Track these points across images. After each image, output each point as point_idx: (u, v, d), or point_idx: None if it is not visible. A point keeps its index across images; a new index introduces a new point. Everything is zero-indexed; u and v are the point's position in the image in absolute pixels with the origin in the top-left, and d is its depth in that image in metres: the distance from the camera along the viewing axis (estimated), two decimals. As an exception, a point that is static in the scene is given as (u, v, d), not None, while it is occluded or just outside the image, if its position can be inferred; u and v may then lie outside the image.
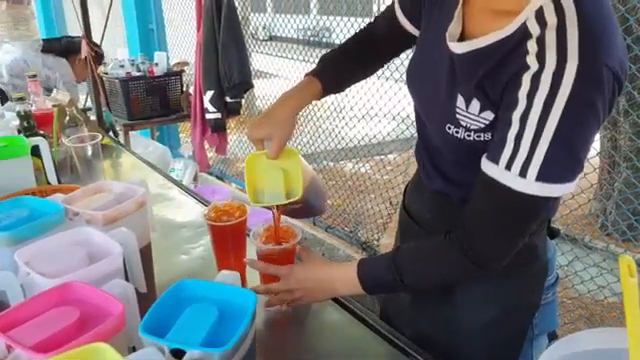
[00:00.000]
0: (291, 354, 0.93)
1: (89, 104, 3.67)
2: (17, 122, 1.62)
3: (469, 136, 0.79)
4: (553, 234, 0.96)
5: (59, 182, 1.42)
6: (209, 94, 3.15)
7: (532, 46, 0.69)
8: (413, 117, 1.00)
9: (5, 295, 0.74)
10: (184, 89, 3.60)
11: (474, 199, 0.79)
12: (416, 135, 1.02)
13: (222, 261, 1.06)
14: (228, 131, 3.47)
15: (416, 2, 0.94)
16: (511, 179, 0.70)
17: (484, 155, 0.75)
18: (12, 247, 0.82)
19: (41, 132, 1.55)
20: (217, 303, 0.67)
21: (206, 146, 3.50)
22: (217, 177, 4.39)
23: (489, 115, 0.76)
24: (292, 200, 0.95)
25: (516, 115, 0.69)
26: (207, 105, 3.18)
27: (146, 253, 0.99)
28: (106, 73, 3.45)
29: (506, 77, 0.72)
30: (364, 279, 0.89)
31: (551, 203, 0.77)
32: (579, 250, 2.65)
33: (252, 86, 3.31)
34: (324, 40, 4.57)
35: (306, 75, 1.03)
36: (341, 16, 3.54)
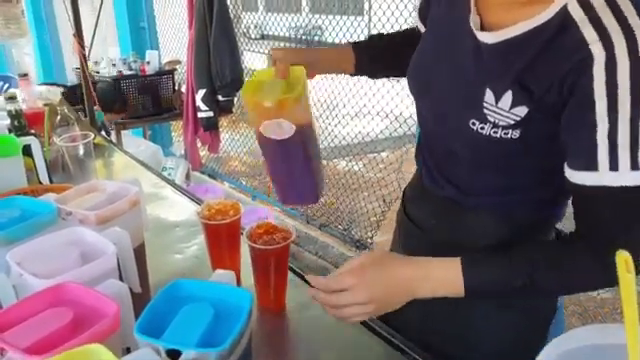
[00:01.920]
0: (287, 354, 0.93)
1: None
2: (7, 121, 1.60)
3: (495, 133, 0.74)
4: (558, 237, 0.93)
5: (51, 182, 1.40)
6: (201, 92, 3.14)
7: (589, 34, 0.64)
8: (405, 115, 1.00)
9: (-3, 296, 0.73)
10: (176, 88, 3.59)
11: (592, 216, 0.72)
12: (409, 133, 1.01)
13: (217, 260, 1.06)
14: (220, 129, 3.46)
15: (427, 7, 0.92)
16: (622, 177, 0.65)
17: (570, 168, 0.70)
18: (4, 248, 0.80)
19: (32, 131, 1.53)
20: (212, 303, 0.67)
21: (198, 144, 3.49)
22: (210, 176, 4.37)
23: (522, 111, 0.71)
24: (291, 96, 0.90)
25: (600, 114, 0.64)
26: (199, 103, 3.17)
27: (140, 253, 0.98)
28: (97, 72, 3.43)
29: (559, 72, 0.67)
30: (473, 279, 0.74)
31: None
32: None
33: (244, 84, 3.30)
34: (316, 39, 4.57)
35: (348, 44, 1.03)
36: (333, 15, 3.53)
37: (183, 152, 3.83)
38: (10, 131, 1.57)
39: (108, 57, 3.47)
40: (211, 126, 3.26)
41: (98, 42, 3.77)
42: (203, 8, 3.01)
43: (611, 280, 0.65)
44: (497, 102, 0.73)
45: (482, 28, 0.77)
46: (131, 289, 0.78)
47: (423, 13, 0.96)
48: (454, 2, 0.83)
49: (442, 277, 0.75)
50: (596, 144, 0.65)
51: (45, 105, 1.85)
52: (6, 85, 3.69)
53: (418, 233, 0.97)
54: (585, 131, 0.66)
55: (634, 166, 0.64)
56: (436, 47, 0.87)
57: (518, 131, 0.73)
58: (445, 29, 0.84)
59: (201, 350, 0.57)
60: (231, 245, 1.05)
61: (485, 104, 0.74)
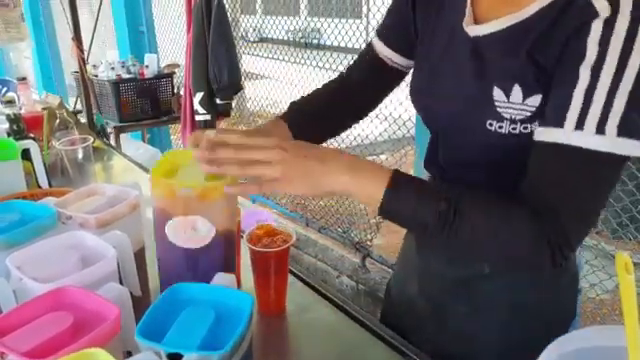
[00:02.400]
0: (287, 356, 0.93)
1: (79, 107, 3.64)
2: (6, 125, 1.60)
3: (514, 129, 0.71)
4: None
5: (50, 185, 1.40)
6: (199, 96, 3.14)
7: (598, 1, 0.62)
8: (404, 117, 0.99)
9: (-3, 301, 0.73)
10: (175, 91, 3.59)
11: (544, 175, 0.67)
12: (408, 135, 1.00)
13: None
14: (219, 133, 3.46)
15: (400, 28, 0.92)
16: (584, 138, 0.62)
17: (539, 125, 0.67)
18: (4, 252, 0.80)
19: (31, 135, 1.53)
20: (213, 306, 0.67)
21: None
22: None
23: (535, 100, 0.69)
24: (219, 183, 0.73)
25: (585, 67, 0.62)
26: (197, 107, 3.17)
27: (140, 256, 0.98)
28: (96, 75, 3.43)
29: (566, 32, 0.65)
30: (397, 190, 0.68)
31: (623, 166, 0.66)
32: (571, 248, 2.67)
33: (242, 88, 3.31)
34: (314, 42, 4.58)
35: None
36: (331, 18, 3.54)
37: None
38: (9, 135, 1.57)
39: (107, 61, 3.47)
40: (209, 129, 3.26)
41: (97, 46, 3.77)
42: (201, 11, 3.01)
43: (538, 248, 0.65)
44: (508, 97, 0.71)
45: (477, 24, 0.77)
46: (131, 293, 0.77)
47: (390, 38, 0.95)
48: (446, 11, 0.83)
49: (365, 172, 0.69)
50: (570, 101, 0.63)
51: (44, 109, 1.85)
52: (4, 89, 3.68)
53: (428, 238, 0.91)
54: (565, 88, 0.64)
55: (600, 129, 0.61)
56: (437, 60, 0.84)
57: (536, 123, 0.69)
58: (443, 38, 0.83)
59: (202, 353, 0.57)
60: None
61: (497, 102, 0.72)
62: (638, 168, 2.43)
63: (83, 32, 3.08)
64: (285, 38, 4.17)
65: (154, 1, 4.32)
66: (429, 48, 0.87)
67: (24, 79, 2.00)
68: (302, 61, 3.78)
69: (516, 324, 0.85)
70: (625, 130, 0.60)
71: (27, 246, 0.81)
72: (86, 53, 3.48)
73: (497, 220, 0.67)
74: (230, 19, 3.22)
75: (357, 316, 0.99)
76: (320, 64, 3.63)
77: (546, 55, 0.67)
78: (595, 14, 0.62)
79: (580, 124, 0.62)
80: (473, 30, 0.76)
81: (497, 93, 0.72)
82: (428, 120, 0.90)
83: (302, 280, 1.10)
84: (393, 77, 0.99)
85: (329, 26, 3.31)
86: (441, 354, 0.87)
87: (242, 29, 5.13)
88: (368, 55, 1.00)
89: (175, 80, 3.63)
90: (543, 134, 0.67)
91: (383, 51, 0.97)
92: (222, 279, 0.74)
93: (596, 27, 0.61)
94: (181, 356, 0.57)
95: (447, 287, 0.90)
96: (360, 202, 0.72)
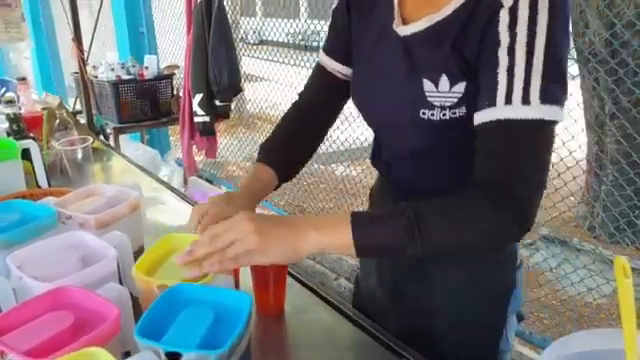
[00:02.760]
0: (285, 357, 0.93)
1: (79, 107, 3.64)
2: (6, 125, 1.60)
3: (445, 115, 0.79)
4: None
5: (49, 185, 1.40)
6: (198, 97, 3.14)
7: None
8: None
9: (-3, 300, 0.73)
10: (174, 92, 3.59)
11: (487, 153, 0.74)
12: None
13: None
14: (218, 134, 3.46)
15: (341, 37, 0.97)
16: (517, 111, 0.70)
17: (476, 110, 0.75)
18: (4, 251, 0.81)
19: (31, 135, 1.53)
20: (212, 306, 0.67)
21: (195, 150, 3.49)
22: (208, 180, 4.37)
23: (460, 87, 0.78)
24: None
25: (502, 50, 0.71)
26: (196, 108, 3.17)
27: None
28: (96, 76, 3.43)
29: (480, 25, 0.74)
30: (361, 226, 0.71)
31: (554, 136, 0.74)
32: (568, 252, 2.68)
33: (242, 90, 3.31)
34: (314, 44, 4.59)
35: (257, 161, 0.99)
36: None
37: (177, 158, 3.82)
38: (9, 135, 1.57)
39: (106, 61, 3.47)
40: (208, 131, 3.26)
41: (96, 47, 3.77)
42: (201, 13, 3.02)
43: (501, 224, 0.71)
44: (437, 87, 0.79)
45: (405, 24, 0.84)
46: (131, 293, 0.78)
47: (336, 52, 0.99)
48: (375, 15, 0.89)
49: (329, 223, 0.73)
50: (497, 82, 0.71)
51: (43, 109, 1.86)
52: (4, 89, 3.68)
53: None
54: (490, 72, 0.72)
55: (525, 100, 0.69)
56: (371, 59, 0.91)
57: (464, 107, 0.78)
58: (375, 39, 0.89)
59: (201, 352, 0.57)
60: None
61: (427, 92, 0.80)
62: (636, 173, 2.44)
63: (83, 33, 3.09)
64: (285, 40, 4.17)
65: (154, 2, 4.33)
66: (361, 50, 0.93)
67: (24, 79, 2.01)
68: (302, 63, 3.78)
69: (467, 297, 0.93)
70: (546, 98, 0.69)
71: (27, 245, 0.81)
72: (86, 54, 3.48)
73: (456, 213, 0.73)
74: (230, 21, 3.23)
75: (354, 318, 1.00)
76: (320, 67, 3.64)
77: (467, 47, 0.76)
78: (500, 5, 0.71)
79: (508, 99, 0.70)
80: (402, 30, 0.83)
81: (427, 84, 0.80)
82: (367, 119, 0.96)
83: (300, 282, 1.10)
84: (346, 90, 1.02)
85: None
86: (406, 332, 0.93)
87: (242, 31, 5.14)
88: (318, 74, 1.05)
89: (175, 81, 3.63)
90: (480, 116, 0.74)
91: (331, 65, 1.01)
92: (221, 280, 0.74)
93: (504, 16, 0.71)
94: (180, 355, 0.57)
95: (402, 273, 0.96)
96: (337, 253, 0.76)
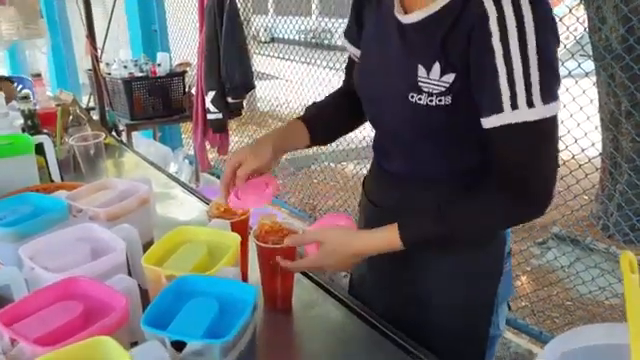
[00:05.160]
0: (292, 349, 0.94)
1: (92, 104, 3.68)
2: (21, 121, 1.63)
3: (431, 101, 0.85)
4: None
5: (62, 180, 1.42)
6: (210, 94, 3.16)
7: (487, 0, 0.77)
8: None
9: (9, 289, 0.75)
10: (186, 90, 3.61)
11: (502, 154, 0.83)
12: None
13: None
14: (230, 132, 3.48)
15: (357, 21, 1.02)
16: (523, 114, 0.77)
17: (484, 115, 0.81)
18: (16, 243, 0.82)
19: (45, 131, 1.56)
20: (218, 297, 0.68)
21: (207, 146, 3.51)
22: (219, 177, 4.39)
23: (449, 77, 0.83)
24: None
25: (499, 60, 0.77)
26: (208, 105, 3.18)
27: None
28: (109, 73, 3.46)
29: (467, 30, 0.80)
30: (408, 241, 0.87)
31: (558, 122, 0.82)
32: (580, 251, 2.65)
33: (253, 87, 3.32)
34: (325, 42, 4.58)
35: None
36: (342, 18, 3.55)
37: (187, 154, 3.84)
38: (23, 130, 1.59)
39: (119, 59, 3.50)
40: (220, 128, 3.28)
41: (110, 44, 3.80)
42: (214, 11, 3.03)
43: (525, 213, 0.86)
44: (429, 74, 0.85)
45: (407, 12, 0.89)
46: (140, 285, 0.79)
47: (352, 36, 1.05)
48: (382, 2, 0.95)
49: (384, 245, 0.89)
50: (500, 90, 0.77)
51: (57, 105, 1.88)
52: (20, 86, 3.74)
53: (379, 214, 1.01)
54: (489, 78, 0.78)
55: (530, 104, 0.77)
56: (374, 43, 0.97)
57: (449, 97, 0.84)
58: (381, 24, 0.95)
59: (205, 341, 0.58)
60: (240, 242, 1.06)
61: (419, 78, 0.86)
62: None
63: (97, 31, 3.12)
64: (296, 38, 4.17)
65: (167, 0, 4.36)
66: (367, 34, 1.00)
67: (39, 75, 2.03)
68: (313, 61, 3.78)
69: (455, 283, 0.97)
70: (547, 98, 0.77)
71: (39, 237, 0.82)
72: (99, 51, 3.52)
73: (480, 218, 0.87)
74: (242, 19, 3.24)
75: (364, 315, 1.00)
76: (331, 64, 3.64)
77: (455, 47, 0.82)
78: (487, 16, 0.77)
79: (514, 105, 0.77)
80: (402, 18, 0.89)
81: (421, 70, 0.86)
82: (363, 100, 1.01)
83: (309, 278, 1.10)
84: None
85: (340, 26, 3.32)
86: (394, 316, 0.98)
87: (254, 29, 5.15)
88: (348, 59, 1.11)
89: (187, 79, 3.65)
90: (490, 122, 0.81)
91: (348, 47, 1.07)
92: (226, 272, 0.75)
93: (494, 29, 0.77)
94: (185, 344, 0.58)
95: (391, 258, 0.96)
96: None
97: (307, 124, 1.06)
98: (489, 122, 0.80)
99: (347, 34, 1.07)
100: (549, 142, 0.82)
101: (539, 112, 0.77)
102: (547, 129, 0.80)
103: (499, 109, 0.78)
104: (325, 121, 1.10)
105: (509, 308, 1.06)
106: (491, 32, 0.76)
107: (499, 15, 0.76)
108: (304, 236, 0.94)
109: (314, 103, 1.13)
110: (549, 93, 0.77)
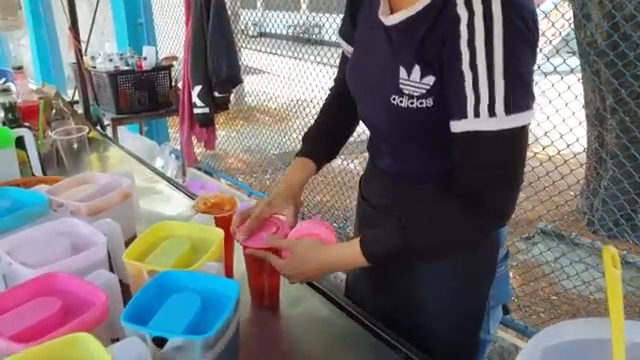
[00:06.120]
0: (275, 345, 0.93)
1: (77, 98, 3.63)
2: (1, 114, 1.60)
3: (412, 104, 0.84)
4: None
5: (45, 174, 1.40)
6: (197, 89, 3.13)
7: (460, 2, 0.76)
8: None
9: (-14, 285, 0.73)
10: (173, 84, 3.58)
11: (462, 161, 0.81)
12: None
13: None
14: (217, 126, 3.46)
15: (350, 18, 1.01)
16: (484, 123, 0.75)
17: (452, 119, 0.79)
18: (-6, 238, 0.80)
19: (26, 124, 1.53)
20: (200, 293, 0.67)
21: (194, 141, 3.48)
22: (206, 172, 4.37)
23: (430, 80, 0.82)
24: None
25: (465, 65, 0.75)
26: (195, 99, 3.16)
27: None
28: (94, 67, 3.42)
29: (442, 31, 0.78)
30: (370, 255, 0.86)
31: (527, 135, 0.79)
32: (565, 246, 2.67)
33: (241, 81, 3.29)
34: (314, 37, 4.56)
35: (297, 156, 1.10)
36: (330, 13, 3.53)
37: (179, 148, 3.81)
38: (4, 123, 1.57)
39: (104, 52, 3.45)
40: (207, 122, 3.25)
41: (95, 37, 3.75)
42: (200, 4, 3.00)
43: (479, 225, 0.84)
44: (409, 76, 0.84)
45: (393, 12, 0.88)
46: (121, 280, 0.78)
47: (346, 34, 1.05)
48: (372, 3, 0.94)
49: (350, 261, 0.90)
50: (465, 95, 0.76)
51: (40, 99, 1.85)
52: (3, 79, 3.67)
53: (373, 212, 1.04)
54: (456, 82, 0.76)
55: (491, 113, 0.74)
56: (364, 43, 0.97)
57: (431, 99, 0.83)
58: (369, 24, 0.94)
59: (187, 337, 0.57)
60: (225, 238, 1.05)
61: (400, 80, 0.85)
62: (633, 166, 2.43)
63: (82, 23, 3.07)
64: (285, 33, 4.15)
65: (153, -7, 4.31)
66: (358, 33, 0.99)
67: (20, 68, 2.00)
68: (302, 56, 3.77)
69: (447, 286, 0.97)
70: (510, 109, 0.74)
71: (18, 232, 0.81)
72: (84, 44, 3.47)
73: (439, 231, 0.85)
74: (230, 13, 3.21)
75: (350, 310, 1.00)
76: (319, 59, 3.63)
77: (431, 48, 0.81)
78: (459, 18, 0.75)
79: (476, 112, 0.75)
80: (386, 20, 0.88)
81: (402, 72, 0.85)
82: (355, 97, 1.01)
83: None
84: None
85: (328, 21, 3.31)
86: (387, 318, 0.97)
87: (242, 23, 5.11)
88: (342, 57, 1.10)
89: (173, 73, 3.61)
90: (454, 127, 0.79)
91: (342, 45, 1.07)
92: (209, 268, 0.74)
93: (463, 30, 0.75)
94: (166, 340, 0.57)
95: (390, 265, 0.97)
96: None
97: (311, 157, 1.09)
98: (456, 126, 0.79)
99: (342, 32, 1.08)
100: (510, 155, 0.78)
101: (500, 123, 0.74)
102: (509, 141, 0.77)
103: (464, 114, 0.77)
104: (325, 146, 1.12)
105: (506, 312, 1.04)
106: (460, 35, 0.75)
107: (469, 18, 0.74)
108: (280, 242, 0.95)
109: (310, 130, 1.14)
110: (514, 104, 0.74)
